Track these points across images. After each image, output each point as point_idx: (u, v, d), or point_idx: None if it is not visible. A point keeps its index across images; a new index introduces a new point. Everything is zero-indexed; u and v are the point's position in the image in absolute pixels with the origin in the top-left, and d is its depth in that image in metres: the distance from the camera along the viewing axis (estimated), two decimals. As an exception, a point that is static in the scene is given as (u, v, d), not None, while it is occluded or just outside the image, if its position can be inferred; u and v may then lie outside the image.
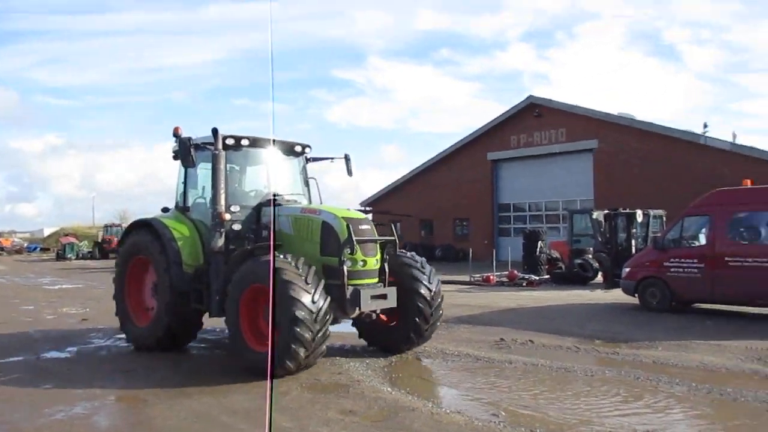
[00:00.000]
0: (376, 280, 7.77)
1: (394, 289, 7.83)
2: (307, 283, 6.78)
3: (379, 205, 38.08)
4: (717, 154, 24.01)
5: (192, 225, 8.64)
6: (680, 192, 22.00)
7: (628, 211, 18.47)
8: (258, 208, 8.37)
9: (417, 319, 8.09)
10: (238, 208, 8.20)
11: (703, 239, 12.63)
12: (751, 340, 9.41)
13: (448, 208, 34.53)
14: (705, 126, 24.80)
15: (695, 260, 12.24)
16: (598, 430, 5.27)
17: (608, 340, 9.76)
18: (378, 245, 7.90)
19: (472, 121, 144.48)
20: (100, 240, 44.98)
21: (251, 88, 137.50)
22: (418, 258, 8.48)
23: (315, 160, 9.58)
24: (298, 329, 6.56)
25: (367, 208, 27.10)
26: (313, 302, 6.71)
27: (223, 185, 7.74)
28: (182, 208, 8.98)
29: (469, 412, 5.80)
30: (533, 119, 30.65)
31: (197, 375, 7.45)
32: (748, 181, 13.00)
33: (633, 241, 17.95)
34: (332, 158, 9.58)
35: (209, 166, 8.06)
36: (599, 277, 19.02)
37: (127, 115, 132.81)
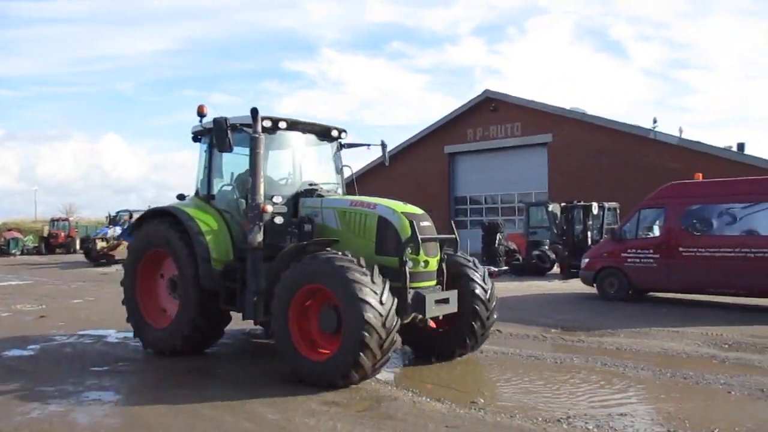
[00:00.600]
0: (434, 282, 7.13)
1: (455, 292, 7.16)
2: (374, 284, 6.12)
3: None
4: (665, 148, 24.91)
5: (219, 216, 7.84)
6: (631, 185, 22.81)
7: (583, 203, 19.00)
8: (295, 199, 7.69)
9: (474, 323, 7.39)
10: (280, 199, 7.50)
11: (658, 231, 13.14)
12: (705, 326, 9.89)
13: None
14: (654, 121, 25.56)
15: (651, 251, 12.74)
16: (576, 415, 5.46)
17: (572, 328, 10.08)
18: (438, 244, 7.27)
19: (424, 114, 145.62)
20: (45, 235, 43.50)
21: (199, 78, 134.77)
22: (470, 257, 7.88)
23: (349, 146, 8.90)
24: (367, 335, 5.88)
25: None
26: (382, 304, 6.03)
27: (262, 173, 7.05)
28: (206, 197, 8.16)
29: (450, 401, 5.92)
30: (489, 113, 31.12)
31: (173, 371, 7.34)
32: (700, 175, 13.60)
33: (589, 233, 18.48)
34: (368, 145, 8.96)
35: (241, 150, 7.53)
36: (556, 268, 19.54)
37: (70, 105, 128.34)
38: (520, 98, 30.30)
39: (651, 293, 13.60)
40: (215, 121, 7.18)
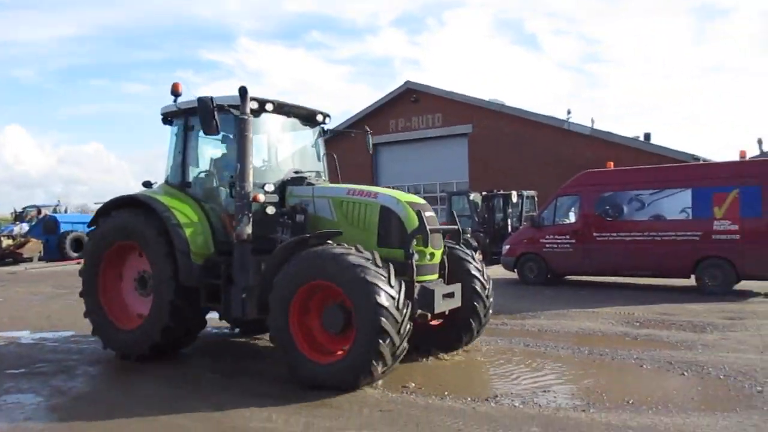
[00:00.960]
0: (437, 275, 6.77)
1: (458, 285, 6.85)
2: (391, 286, 5.68)
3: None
4: (579, 138, 26.02)
5: (197, 205, 7.27)
6: (548, 174, 23.74)
7: (503, 192, 19.61)
8: (281, 187, 7.20)
9: (472, 318, 7.15)
10: (272, 188, 6.99)
11: (573, 217, 13.78)
12: (618, 306, 10.53)
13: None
14: (568, 112, 26.68)
15: (567, 236, 13.36)
16: (503, 394, 5.72)
17: (495, 312, 10.27)
18: (441, 235, 6.89)
19: (345, 105, 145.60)
20: (-56, 233, 40.67)
21: (110, 66, 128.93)
22: (467, 250, 7.55)
23: (332, 132, 8.62)
24: (382, 340, 5.52)
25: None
26: (398, 308, 5.63)
27: (251, 159, 6.49)
28: (181, 185, 7.54)
29: (382, 385, 6.03)
30: (411, 104, 31.49)
31: (99, 369, 7.13)
32: (611, 164, 14.33)
33: (509, 221, 19.11)
34: (352, 132, 8.63)
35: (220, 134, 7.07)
36: (478, 255, 20.09)
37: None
38: (441, 90, 30.83)
39: (568, 277, 14.27)
40: (200, 101, 6.53)
